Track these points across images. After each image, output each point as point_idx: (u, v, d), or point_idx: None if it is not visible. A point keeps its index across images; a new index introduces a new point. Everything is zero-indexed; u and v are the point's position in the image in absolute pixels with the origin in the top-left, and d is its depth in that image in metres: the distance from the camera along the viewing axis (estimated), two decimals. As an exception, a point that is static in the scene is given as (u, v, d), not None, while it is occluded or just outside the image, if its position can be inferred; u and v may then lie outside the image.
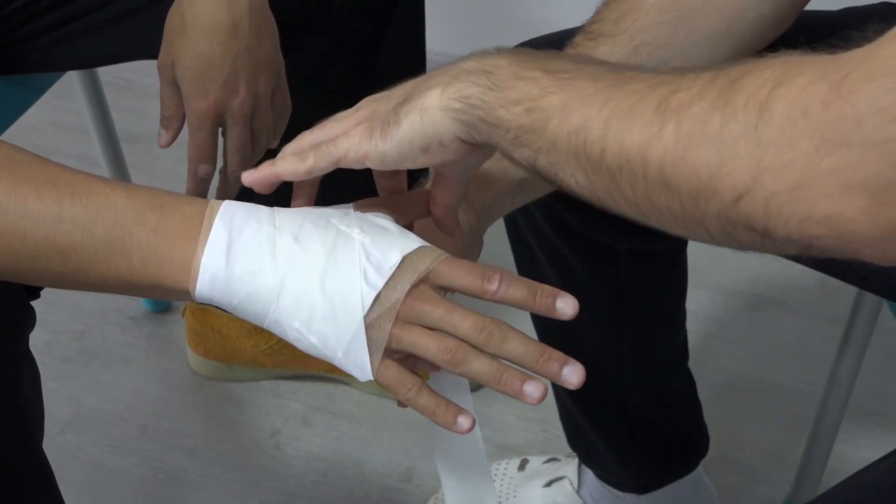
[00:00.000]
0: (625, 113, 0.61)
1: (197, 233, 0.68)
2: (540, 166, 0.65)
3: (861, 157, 0.52)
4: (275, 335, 1.56)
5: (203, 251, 0.68)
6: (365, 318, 0.68)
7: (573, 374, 0.68)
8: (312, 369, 1.51)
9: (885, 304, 1.14)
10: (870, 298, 1.14)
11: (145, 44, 1.06)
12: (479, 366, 0.68)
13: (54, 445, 1.43)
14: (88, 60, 1.23)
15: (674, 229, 0.62)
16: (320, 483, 1.43)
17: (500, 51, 0.69)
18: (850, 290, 1.13)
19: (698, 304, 1.59)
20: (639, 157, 0.60)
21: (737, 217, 0.57)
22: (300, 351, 1.67)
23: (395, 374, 0.71)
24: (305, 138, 0.73)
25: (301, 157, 0.72)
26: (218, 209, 0.69)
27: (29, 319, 0.95)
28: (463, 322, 0.68)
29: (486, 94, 0.66)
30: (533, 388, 0.68)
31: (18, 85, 1.21)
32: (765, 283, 1.64)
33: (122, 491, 1.42)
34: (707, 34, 0.87)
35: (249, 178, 0.73)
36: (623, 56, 0.86)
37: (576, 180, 0.64)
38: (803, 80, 0.54)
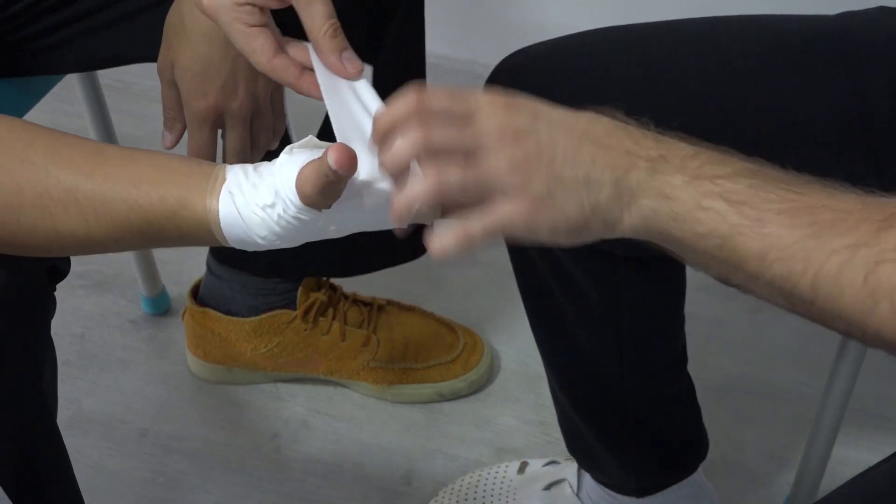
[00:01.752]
0: (832, 279, 0.64)
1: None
2: (731, 283, 0.70)
3: None
4: (274, 338, 1.56)
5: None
6: None
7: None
8: (312, 372, 1.51)
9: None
10: (869, 301, 1.14)
11: (145, 46, 1.06)
12: None
13: (54, 448, 1.43)
14: (88, 63, 1.23)
15: None
16: (320, 486, 1.43)
17: (664, 156, 0.69)
18: (850, 293, 1.13)
19: (697, 305, 1.58)
20: (855, 321, 0.64)
21: None
22: (300, 354, 1.67)
23: None
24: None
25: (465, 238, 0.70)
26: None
27: (50, 305, 0.96)
28: None
29: (670, 223, 0.68)
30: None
31: (18, 87, 1.21)
32: (764, 285, 1.64)
33: (121, 494, 1.42)
34: None
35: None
36: None
37: (767, 299, 0.69)
38: None
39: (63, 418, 1.48)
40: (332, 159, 0.68)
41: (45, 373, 0.97)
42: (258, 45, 0.82)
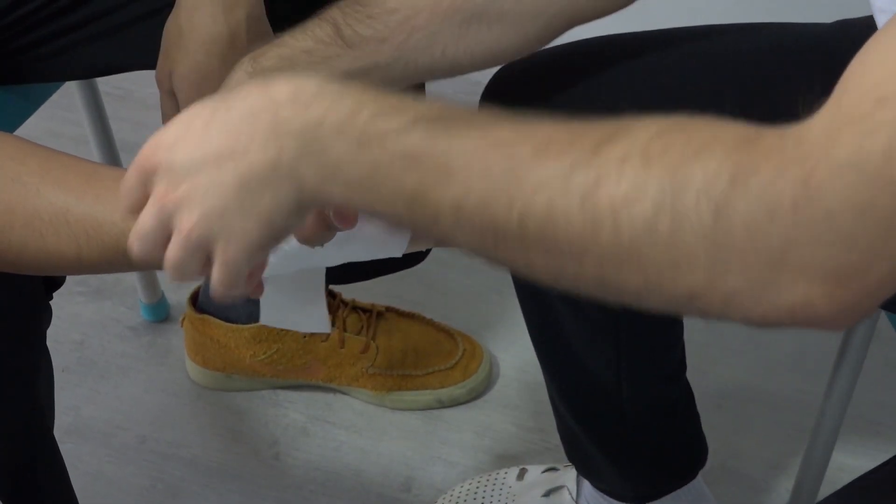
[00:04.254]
0: (544, 211, 0.55)
1: None
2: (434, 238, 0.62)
3: (830, 252, 0.51)
4: (274, 345, 1.56)
5: None
6: None
7: None
8: (311, 379, 1.51)
9: (882, 313, 1.14)
10: (867, 308, 1.14)
11: (144, 54, 1.06)
12: None
13: (53, 455, 1.43)
14: (88, 71, 1.23)
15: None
16: (319, 493, 1.43)
17: (319, 119, 0.59)
18: (848, 300, 1.13)
19: (697, 313, 1.59)
20: (570, 257, 0.55)
21: (689, 309, 0.55)
22: (299, 360, 1.67)
23: None
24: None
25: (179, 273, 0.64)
26: None
27: (46, 315, 0.96)
28: None
29: (349, 193, 0.59)
30: None
31: (17, 95, 1.21)
32: (763, 292, 1.64)
33: (120, 501, 1.42)
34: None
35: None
36: None
37: (477, 251, 0.60)
38: (763, 178, 0.52)
39: (62, 425, 1.49)
40: (336, 216, 0.67)
41: (40, 382, 0.97)
42: None
